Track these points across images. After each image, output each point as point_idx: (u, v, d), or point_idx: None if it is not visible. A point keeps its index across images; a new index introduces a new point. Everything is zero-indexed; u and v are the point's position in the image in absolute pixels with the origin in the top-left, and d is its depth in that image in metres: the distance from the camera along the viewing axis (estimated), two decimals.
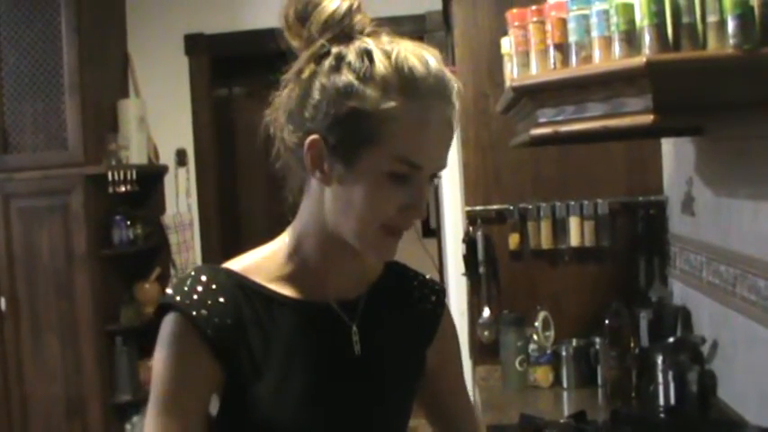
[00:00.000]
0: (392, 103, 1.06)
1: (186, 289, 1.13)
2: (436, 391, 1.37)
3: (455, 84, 1.12)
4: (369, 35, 1.12)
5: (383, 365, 1.24)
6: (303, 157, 1.12)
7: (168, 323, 1.12)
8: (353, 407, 1.19)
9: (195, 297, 1.12)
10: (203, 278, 1.14)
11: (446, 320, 1.36)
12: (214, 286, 1.13)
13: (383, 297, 1.27)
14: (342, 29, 1.11)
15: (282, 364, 1.14)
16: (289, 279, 1.19)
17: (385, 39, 1.12)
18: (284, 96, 1.16)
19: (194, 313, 1.10)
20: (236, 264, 1.19)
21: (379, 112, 1.06)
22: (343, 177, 1.10)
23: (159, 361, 1.12)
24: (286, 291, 1.18)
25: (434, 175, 1.13)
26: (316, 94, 1.10)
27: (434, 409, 1.40)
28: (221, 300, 1.13)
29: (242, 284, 1.16)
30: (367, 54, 1.08)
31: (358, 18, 1.13)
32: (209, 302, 1.12)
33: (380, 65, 1.07)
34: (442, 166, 1.13)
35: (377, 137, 1.07)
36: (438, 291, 1.36)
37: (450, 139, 1.13)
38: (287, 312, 1.17)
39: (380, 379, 1.23)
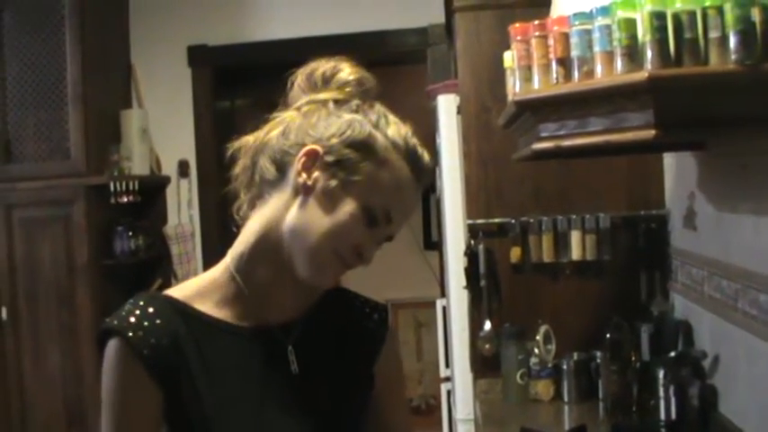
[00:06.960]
0: (395, 158, 1.19)
1: (123, 314, 1.17)
2: (377, 412, 1.35)
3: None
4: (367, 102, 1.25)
5: (325, 383, 1.25)
6: (286, 163, 1.19)
7: (108, 349, 1.17)
8: (297, 424, 1.20)
9: (132, 320, 1.15)
10: (140, 303, 1.18)
11: (390, 341, 1.36)
12: (151, 309, 1.17)
13: (323, 317, 1.29)
14: (354, 91, 1.25)
15: (223, 387, 1.17)
16: (228, 302, 1.22)
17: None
18: (282, 118, 1.25)
19: (130, 334, 1.14)
20: (177, 291, 1.23)
21: (384, 157, 1.18)
22: (331, 192, 1.17)
23: (104, 389, 1.18)
24: (225, 315, 1.21)
25: (386, 238, 1.21)
26: (332, 120, 1.20)
27: (374, 428, 1.38)
28: (158, 321, 1.16)
29: (181, 310, 1.19)
30: (384, 116, 1.23)
31: (370, 86, 1.27)
32: (146, 324, 1.15)
33: (394, 129, 1.22)
34: (396, 233, 1.23)
35: (375, 175, 1.17)
36: (380, 309, 1.37)
37: (409, 217, 1.25)
38: (226, 337, 1.20)
39: (323, 397, 1.24)
